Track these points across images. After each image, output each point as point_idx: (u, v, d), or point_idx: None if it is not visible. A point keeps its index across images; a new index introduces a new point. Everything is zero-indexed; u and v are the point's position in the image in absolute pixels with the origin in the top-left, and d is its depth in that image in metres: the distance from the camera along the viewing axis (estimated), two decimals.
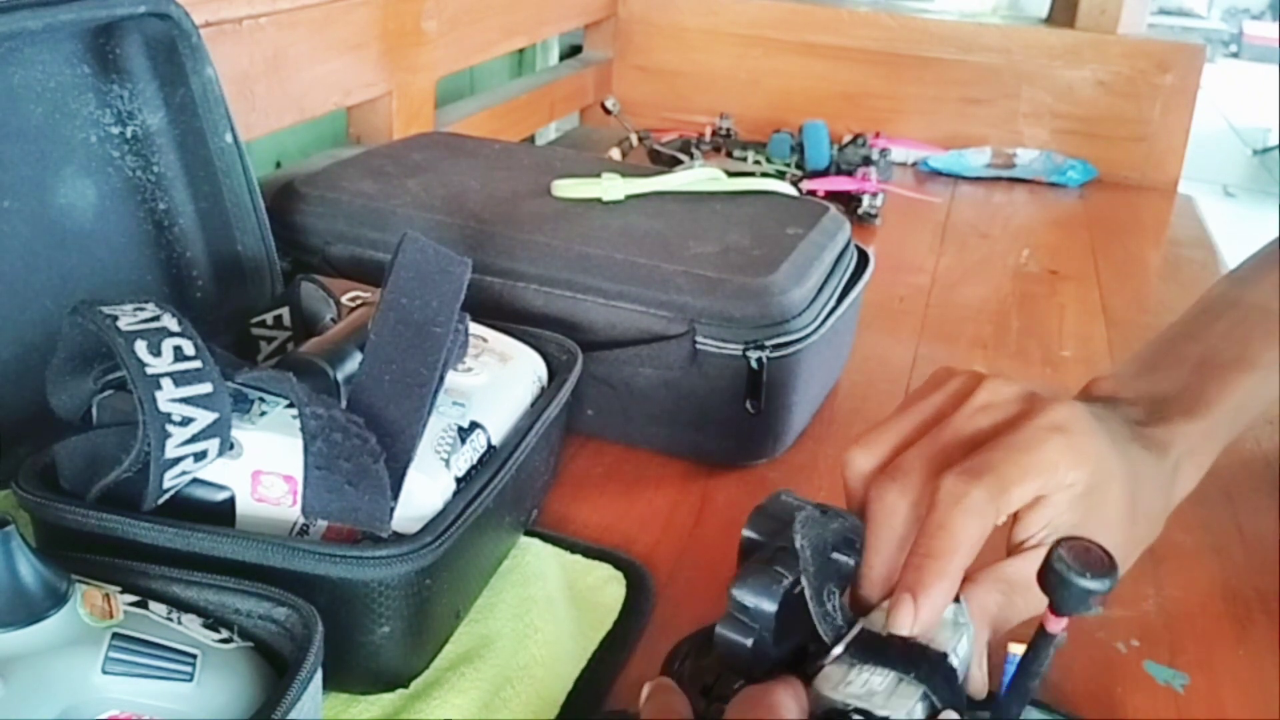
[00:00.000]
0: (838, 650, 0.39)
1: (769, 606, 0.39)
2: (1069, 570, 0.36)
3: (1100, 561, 0.36)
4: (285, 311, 0.58)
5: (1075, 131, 1.37)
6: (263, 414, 0.45)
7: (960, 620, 0.41)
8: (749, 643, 0.39)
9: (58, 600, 0.34)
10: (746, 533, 0.44)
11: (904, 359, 0.83)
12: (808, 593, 0.40)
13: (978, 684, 0.43)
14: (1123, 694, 0.49)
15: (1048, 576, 0.37)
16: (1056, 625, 0.37)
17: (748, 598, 0.39)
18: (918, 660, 0.39)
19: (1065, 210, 1.28)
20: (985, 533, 0.41)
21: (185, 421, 0.40)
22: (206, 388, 0.41)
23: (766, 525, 0.44)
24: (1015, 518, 0.45)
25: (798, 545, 0.40)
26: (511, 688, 0.45)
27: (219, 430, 0.41)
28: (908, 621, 0.40)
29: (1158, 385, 0.55)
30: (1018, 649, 0.40)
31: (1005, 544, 0.45)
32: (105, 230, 0.60)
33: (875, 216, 1.12)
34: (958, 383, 0.47)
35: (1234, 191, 4.71)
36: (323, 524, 0.44)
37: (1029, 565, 0.44)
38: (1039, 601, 0.42)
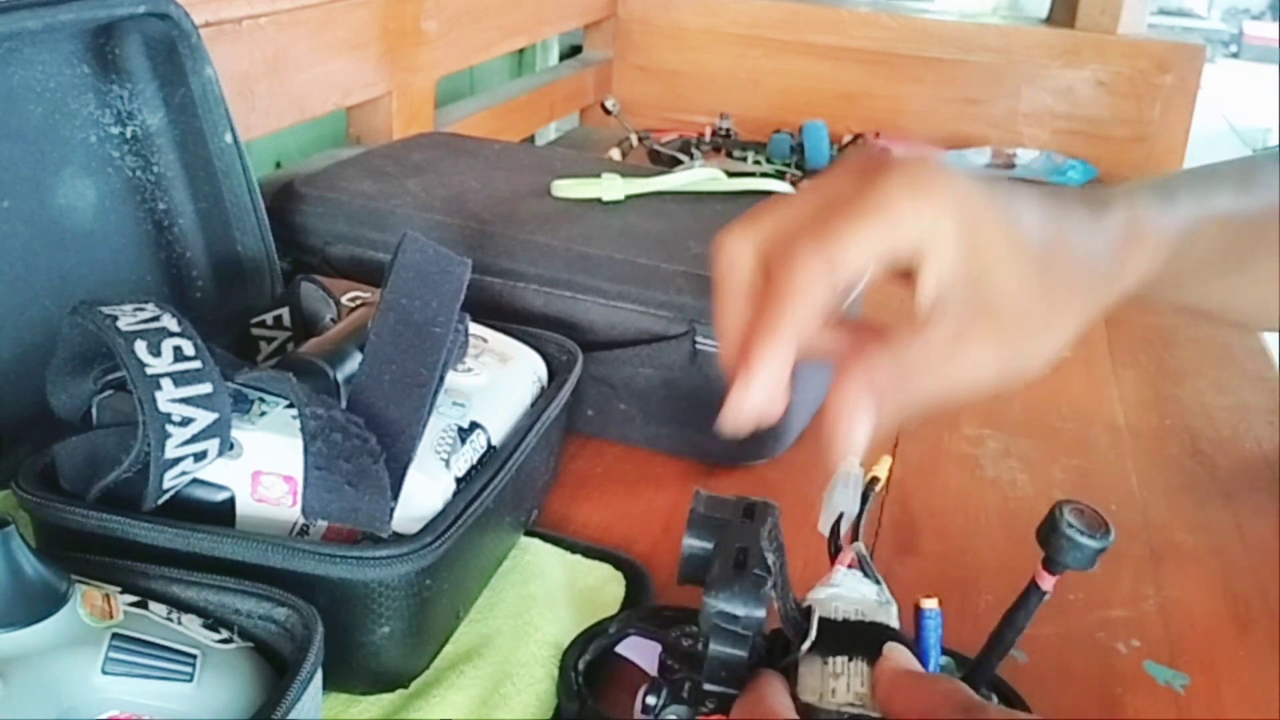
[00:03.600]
0: (806, 646, 0.39)
1: (760, 613, 0.38)
2: (1074, 530, 0.37)
3: (1098, 522, 0.38)
4: (285, 312, 0.58)
5: (1075, 131, 1.37)
6: (263, 414, 0.45)
7: (883, 599, 0.42)
8: (745, 654, 0.38)
9: (58, 600, 0.34)
10: (694, 542, 0.42)
11: None
12: (779, 603, 0.39)
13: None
14: (1123, 694, 0.49)
15: (1051, 537, 0.38)
16: (1049, 583, 0.39)
17: (738, 607, 0.38)
18: (881, 640, 0.39)
19: None
20: (817, 289, 0.38)
21: (185, 422, 0.40)
22: (206, 388, 0.41)
23: (708, 531, 0.42)
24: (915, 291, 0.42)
25: (769, 559, 0.39)
26: (511, 684, 0.45)
27: (219, 430, 0.41)
28: (741, 394, 0.38)
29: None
30: (929, 604, 0.41)
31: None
32: (105, 230, 0.60)
33: None
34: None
35: None
36: (323, 524, 0.44)
37: (923, 342, 0.41)
38: (933, 388, 0.41)
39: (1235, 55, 7.66)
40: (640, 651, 0.45)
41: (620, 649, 0.45)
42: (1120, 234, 0.46)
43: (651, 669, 0.43)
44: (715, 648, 0.38)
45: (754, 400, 0.38)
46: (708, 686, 0.39)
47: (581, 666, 0.45)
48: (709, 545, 0.42)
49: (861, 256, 0.39)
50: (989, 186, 0.42)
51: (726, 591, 0.38)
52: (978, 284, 0.41)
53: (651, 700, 0.39)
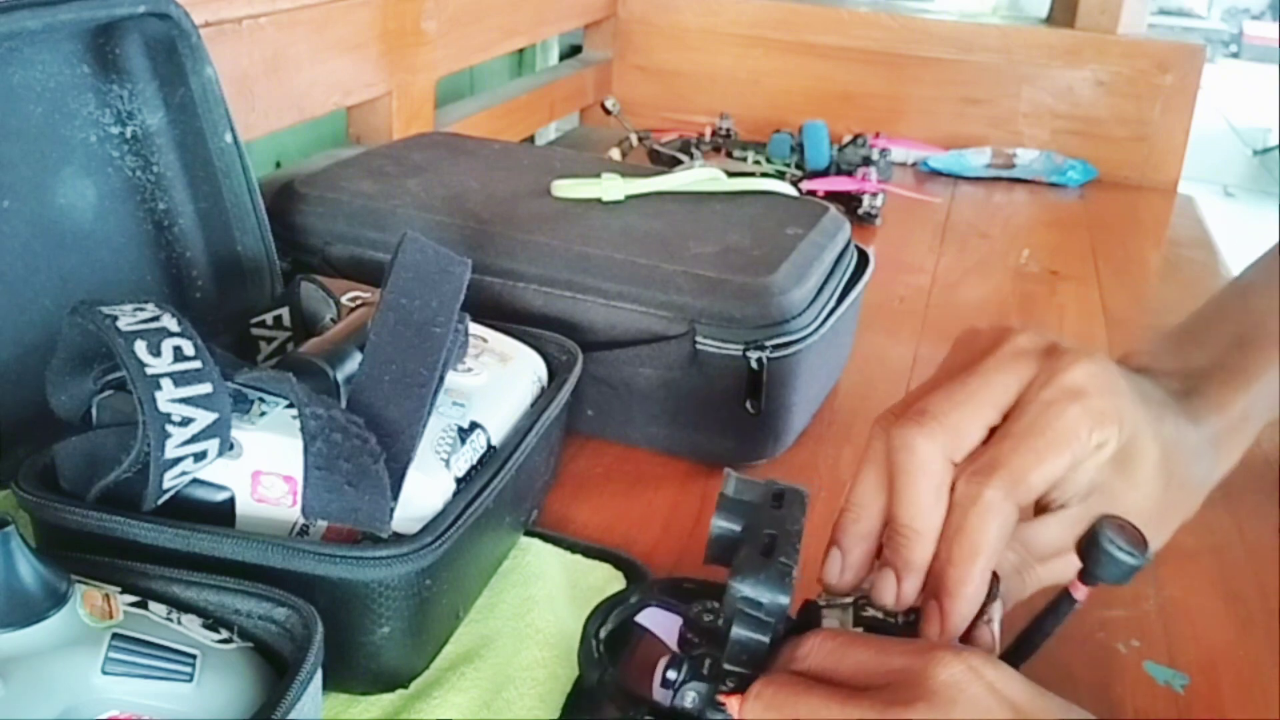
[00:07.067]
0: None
1: (784, 599, 0.39)
2: (1114, 545, 0.38)
3: (1136, 539, 0.39)
4: (285, 311, 0.58)
5: (1075, 131, 1.37)
6: (263, 414, 0.45)
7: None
8: (768, 639, 0.39)
9: (58, 600, 0.34)
10: (722, 523, 0.43)
11: (904, 359, 0.83)
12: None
13: (986, 643, 0.42)
14: (1123, 694, 0.49)
15: (1090, 550, 0.39)
16: (1082, 593, 0.40)
17: (763, 594, 0.39)
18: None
19: (1065, 210, 1.28)
20: (1008, 528, 0.40)
21: (185, 422, 0.40)
22: (206, 388, 0.41)
23: (737, 514, 0.43)
24: None
25: (797, 547, 0.40)
26: (514, 688, 0.45)
27: (219, 430, 0.41)
28: (935, 629, 0.40)
29: (1193, 359, 0.53)
30: None
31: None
32: (105, 230, 0.60)
33: (875, 216, 1.12)
34: (985, 339, 0.45)
35: (1234, 191, 4.71)
36: (323, 524, 0.44)
37: (1050, 530, 0.44)
38: (1055, 574, 0.44)
39: (1235, 55, 7.66)
40: (661, 623, 0.45)
41: (641, 619, 0.45)
42: (1216, 443, 0.50)
43: (671, 641, 0.43)
44: (738, 631, 0.39)
45: (949, 635, 0.41)
46: (728, 666, 0.39)
47: (603, 635, 0.45)
48: (737, 527, 0.42)
49: (1044, 487, 0.42)
50: (1145, 400, 0.45)
51: (752, 578, 0.39)
52: (1111, 497, 0.44)
53: (672, 675, 0.40)
